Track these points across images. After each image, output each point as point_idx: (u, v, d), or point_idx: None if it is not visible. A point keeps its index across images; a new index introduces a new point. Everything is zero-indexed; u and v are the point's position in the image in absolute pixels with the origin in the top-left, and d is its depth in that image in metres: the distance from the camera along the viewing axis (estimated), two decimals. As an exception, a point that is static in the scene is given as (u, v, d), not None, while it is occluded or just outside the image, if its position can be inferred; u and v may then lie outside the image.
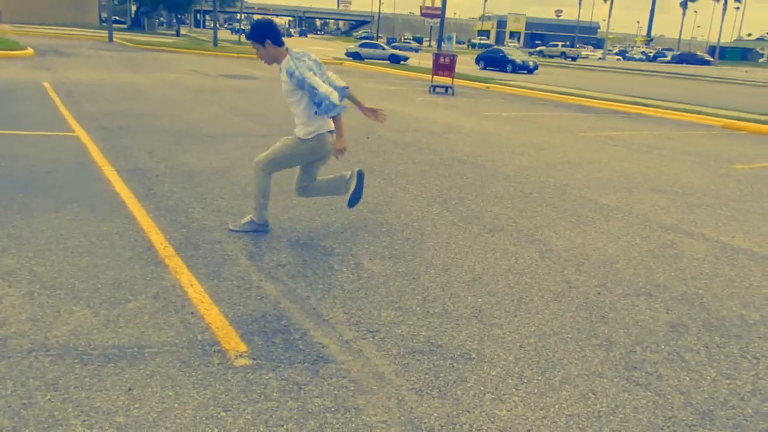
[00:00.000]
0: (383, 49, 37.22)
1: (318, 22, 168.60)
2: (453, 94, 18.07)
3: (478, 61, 39.32)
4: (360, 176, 4.85)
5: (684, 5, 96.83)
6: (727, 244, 5.42)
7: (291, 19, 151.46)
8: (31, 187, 5.48)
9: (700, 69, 60.46)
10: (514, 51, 42.22)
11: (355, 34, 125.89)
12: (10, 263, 3.83)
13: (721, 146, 11.55)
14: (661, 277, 4.50)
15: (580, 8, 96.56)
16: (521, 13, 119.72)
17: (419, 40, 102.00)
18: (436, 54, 18.96)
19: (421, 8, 46.23)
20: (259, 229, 4.75)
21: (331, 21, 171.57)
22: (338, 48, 63.64)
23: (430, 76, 19.12)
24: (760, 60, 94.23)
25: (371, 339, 3.25)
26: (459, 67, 19.36)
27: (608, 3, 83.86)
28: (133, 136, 8.18)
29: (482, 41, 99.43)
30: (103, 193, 5.49)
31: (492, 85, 22.66)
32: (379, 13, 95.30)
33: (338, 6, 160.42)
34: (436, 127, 11.13)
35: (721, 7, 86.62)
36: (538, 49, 79.09)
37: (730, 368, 3.28)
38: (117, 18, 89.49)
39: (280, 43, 4.39)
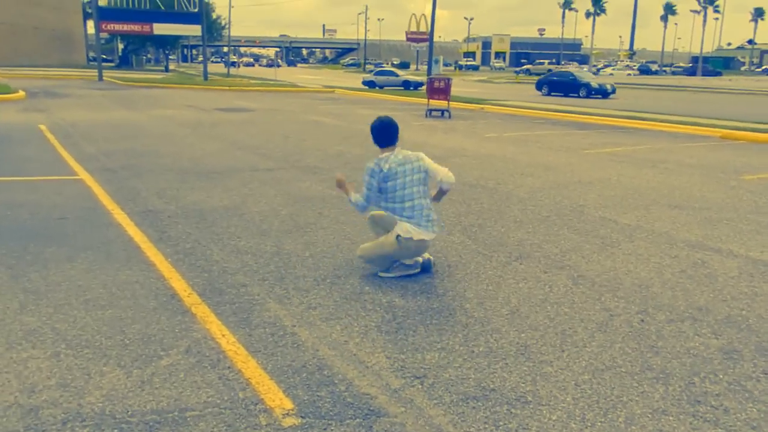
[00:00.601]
0: (397, 76, 36.36)
1: (304, 52, 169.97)
2: (450, 116, 18.06)
3: (540, 86, 33.76)
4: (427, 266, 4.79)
5: (665, 18, 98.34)
6: (758, 260, 5.30)
7: (278, 49, 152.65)
8: (42, 236, 5.30)
9: (690, 80, 61.30)
10: (586, 73, 37.49)
11: (342, 61, 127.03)
12: (30, 321, 3.65)
13: (725, 157, 11.52)
14: (701, 299, 4.36)
15: (563, 26, 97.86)
16: (505, 33, 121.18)
17: (406, 65, 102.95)
18: (430, 78, 19.01)
19: (407, 33, 46.69)
20: (410, 271, 4.67)
21: (317, 50, 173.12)
22: (327, 75, 64.06)
23: (426, 100, 19.13)
24: (742, 68, 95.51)
25: (420, 386, 3.08)
26: (462, 90, 19.38)
27: (590, 20, 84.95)
28: (138, 177, 8.03)
29: (469, 63, 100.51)
30: (117, 238, 5.32)
31: (486, 105, 22.72)
32: (366, 39, 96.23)
33: (323, 35, 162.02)
34: (439, 152, 11.03)
35: (701, 18, 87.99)
36: (525, 67, 79.89)
37: (796, 396, 3.13)
38: (105, 57, 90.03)
39: (379, 145, 4.84)
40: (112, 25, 35.74)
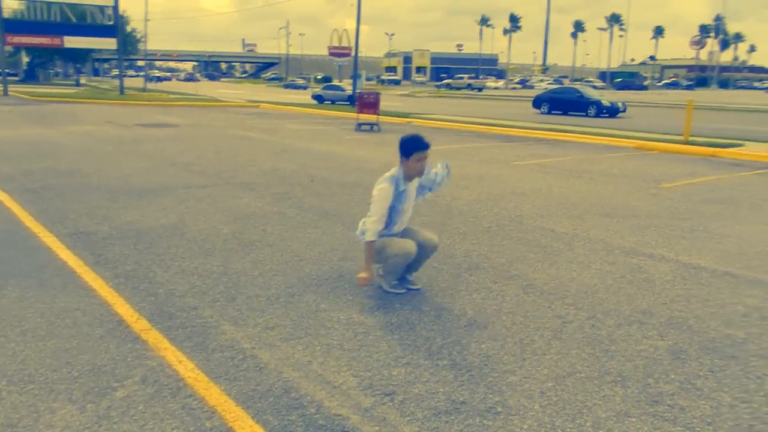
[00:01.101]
0: (343, 90, 36.36)
1: (224, 66, 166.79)
2: (379, 130, 18.19)
3: (538, 103, 29.83)
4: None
5: (575, 35, 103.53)
6: (688, 263, 5.60)
7: (196, 63, 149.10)
8: (-37, 264, 4.91)
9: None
10: (592, 90, 33.01)
11: (263, 75, 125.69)
12: (-38, 357, 3.35)
13: (643, 167, 12.17)
14: (643, 303, 4.56)
15: (481, 42, 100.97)
16: (425, 48, 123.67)
17: (328, 79, 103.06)
18: (360, 93, 19.10)
19: (329, 48, 46.75)
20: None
21: (237, 64, 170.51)
22: (249, 90, 63.18)
23: (354, 114, 19.20)
24: (645, 82, 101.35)
25: (390, 403, 3.05)
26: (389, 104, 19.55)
27: (507, 36, 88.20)
28: (63, 197, 7.59)
29: (390, 77, 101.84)
30: (49, 263, 5.00)
31: (412, 119, 23.04)
32: (288, 54, 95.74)
33: (243, 49, 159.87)
34: (375, 166, 11.06)
35: (608, 36, 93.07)
36: (445, 82, 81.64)
37: (741, 391, 3.31)
38: (8, 71, 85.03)
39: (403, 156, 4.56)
40: (18, 38, 33.87)
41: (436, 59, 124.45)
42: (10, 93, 33.13)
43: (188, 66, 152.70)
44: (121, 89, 37.67)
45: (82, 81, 68.20)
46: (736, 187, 9.85)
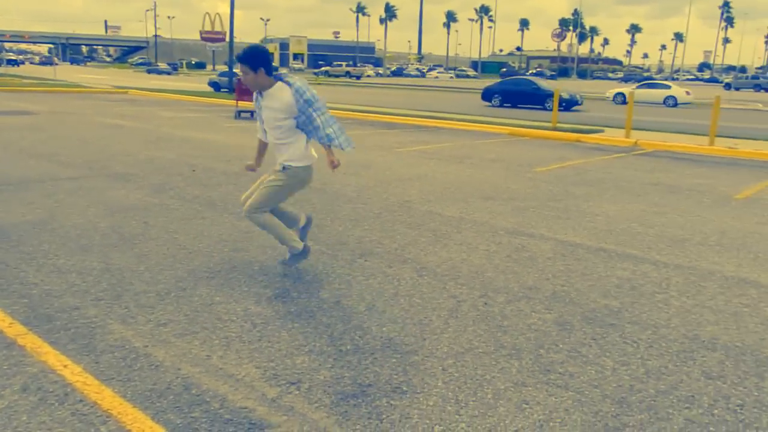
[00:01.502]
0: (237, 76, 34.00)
1: (84, 49, 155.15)
2: (260, 118, 17.77)
3: (488, 96, 28.24)
4: (309, 220, 4.99)
5: (447, 25, 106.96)
6: (565, 241, 6.00)
7: (52, 46, 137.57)
8: None
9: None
10: (544, 81, 31.58)
11: (130, 60, 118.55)
12: None
13: (517, 152, 12.85)
14: (529, 280, 4.83)
15: (357, 30, 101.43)
16: (302, 36, 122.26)
17: (202, 65, 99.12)
18: (238, 79, 18.51)
19: (201, 33, 45.02)
20: (302, 257, 4.70)
21: (100, 48, 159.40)
22: (115, 75, 59.32)
23: (233, 102, 18.62)
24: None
25: (296, 392, 3.01)
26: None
27: (383, 25, 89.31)
28: None
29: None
30: None
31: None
32: (156, 37, 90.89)
33: (106, 31, 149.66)
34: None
35: (478, 26, 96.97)
36: (323, 69, 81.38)
37: (621, 355, 3.60)
38: None
39: (270, 73, 4.32)
40: None
41: (313, 46, 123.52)
42: None
43: (43, 49, 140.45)
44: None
45: None
46: (600, 170, 10.66)
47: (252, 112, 18.04)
